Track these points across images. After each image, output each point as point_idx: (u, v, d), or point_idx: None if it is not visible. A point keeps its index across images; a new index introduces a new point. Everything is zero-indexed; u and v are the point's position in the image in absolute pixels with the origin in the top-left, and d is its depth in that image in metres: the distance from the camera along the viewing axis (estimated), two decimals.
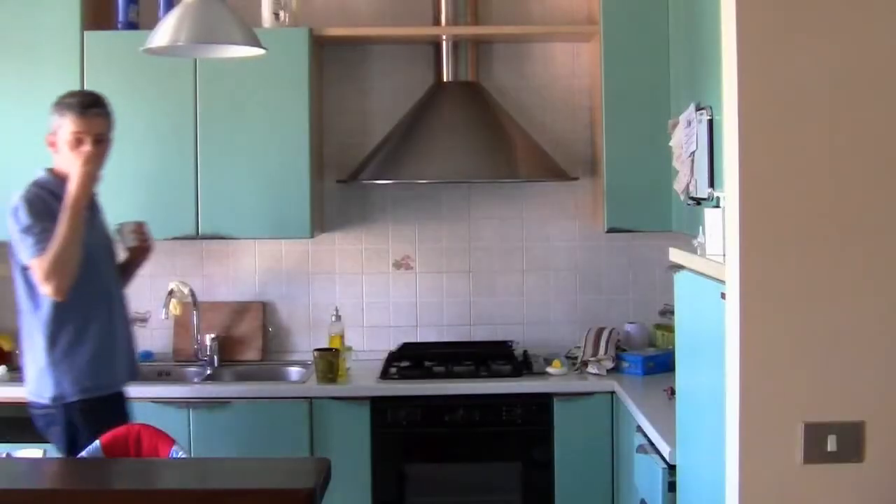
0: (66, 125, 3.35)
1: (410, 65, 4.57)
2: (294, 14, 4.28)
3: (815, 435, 2.04)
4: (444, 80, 4.43)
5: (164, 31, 3.03)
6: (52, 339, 3.35)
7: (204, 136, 4.21)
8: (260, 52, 3.22)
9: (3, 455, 3.13)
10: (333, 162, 4.55)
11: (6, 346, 4.41)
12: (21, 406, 4.05)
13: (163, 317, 4.41)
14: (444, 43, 4.43)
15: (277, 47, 3.81)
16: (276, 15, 4.23)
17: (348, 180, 4.38)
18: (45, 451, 3.39)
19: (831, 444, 2.04)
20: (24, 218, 3.29)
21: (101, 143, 3.40)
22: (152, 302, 4.56)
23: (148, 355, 4.56)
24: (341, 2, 4.57)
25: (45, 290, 3.25)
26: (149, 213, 4.22)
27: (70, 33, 4.18)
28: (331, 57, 4.56)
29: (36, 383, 3.40)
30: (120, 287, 3.61)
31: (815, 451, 2.04)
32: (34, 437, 3.93)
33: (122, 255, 3.68)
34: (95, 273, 3.39)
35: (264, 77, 4.18)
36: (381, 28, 4.46)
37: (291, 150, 4.22)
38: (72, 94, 3.44)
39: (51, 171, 3.46)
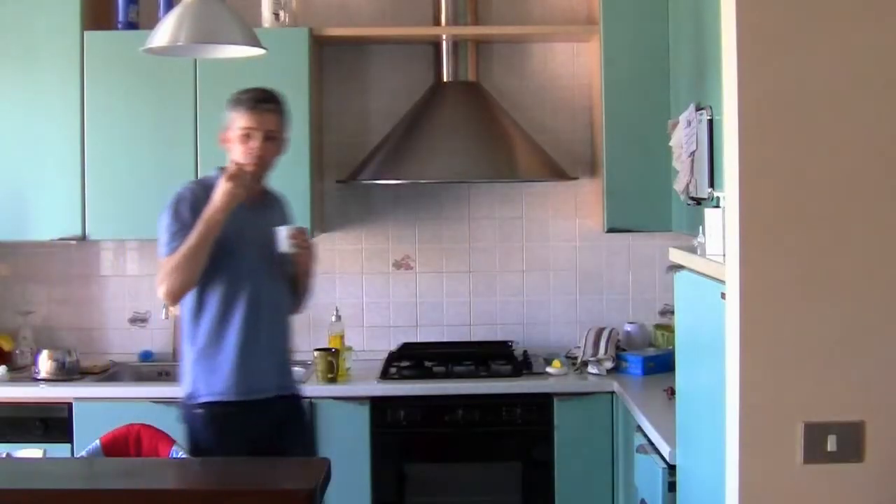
0: (237, 120, 3.27)
1: (410, 65, 4.57)
2: (294, 14, 4.29)
3: (815, 435, 2.04)
4: (444, 80, 4.43)
5: (164, 31, 3.03)
6: (192, 337, 3.29)
7: (204, 136, 4.20)
8: (260, 52, 3.22)
9: (3, 455, 3.12)
10: (333, 162, 4.55)
11: (6, 346, 4.42)
12: (21, 406, 4.07)
13: (163, 317, 4.41)
14: (444, 43, 4.43)
15: (277, 47, 3.81)
16: (276, 15, 4.23)
17: (348, 180, 4.38)
18: (45, 451, 3.39)
19: (831, 444, 2.04)
20: (166, 215, 3.25)
21: (271, 139, 3.31)
22: (152, 302, 4.56)
23: (148, 355, 4.57)
24: (341, 2, 4.57)
25: (158, 291, 3.24)
26: (149, 213, 4.24)
27: (70, 33, 4.18)
28: (331, 57, 4.56)
29: (181, 379, 3.35)
30: (279, 293, 3.40)
31: (815, 451, 2.04)
32: (34, 437, 3.95)
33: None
34: (243, 275, 3.28)
35: (264, 77, 4.13)
36: (381, 28, 4.46)
37: (291, 150, 4.17)
38: (246, 90, 3.32)
39: (222, 169, 3.32)
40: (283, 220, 3.44)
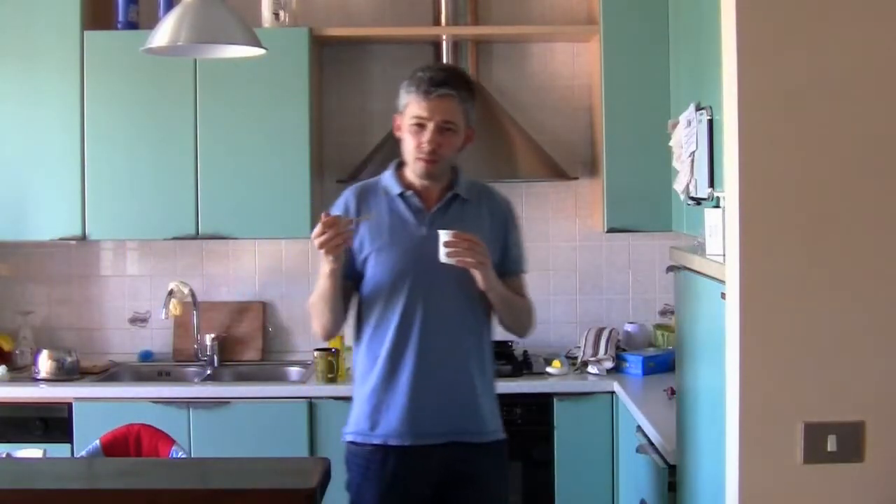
0: (410, 107, 2.75)
1: (410, 65, 4.52)
2: (294, 14, 4.29)
3: (815, 435, 2.03)
4: None
5: (164, 31, 3.02)
6: (353, 365, 2.92)
7: (204, 136, 4.21)
8: (260, 52, 3.22)
9: (3, 455, 3.12)
10: (333, 162, 4.55)
11: (6, 346, 4.42)
12: (21, 406, 4.07)
13: (163, 317, 4.42)
14: (444, 43, 4.43)
15: (277, 47, 3.81)
16: (276, 15, 4.24)
17: (348, 180, 4.38)
18: (45, 451, 3.39)
19: (831, 444, 2.03)
20: None
21: (447, 131, 2.75)
22: (152, 302, 4.57)
23: (148, 355, 4.57)
24: (341, 2, 4.57)
25: None
26: (149, 213, 4.25)
27: (70, 33, 4.19)
28: (331, 57, 4.56)
29: None
30: (457, 316, 2.80)
31: (815, 451, 2.04)
32: (34, 437, 3.95)
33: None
34: (400, 297, 2.76)
35: (264, 77, 4.18)
36: (381, 28, 4.46)
37: (291, 150, 4.22)
38: (425, 68, 2.82)
39: (399, 165, 2.87)
40: (481, 221, 2.85)
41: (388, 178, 2.86)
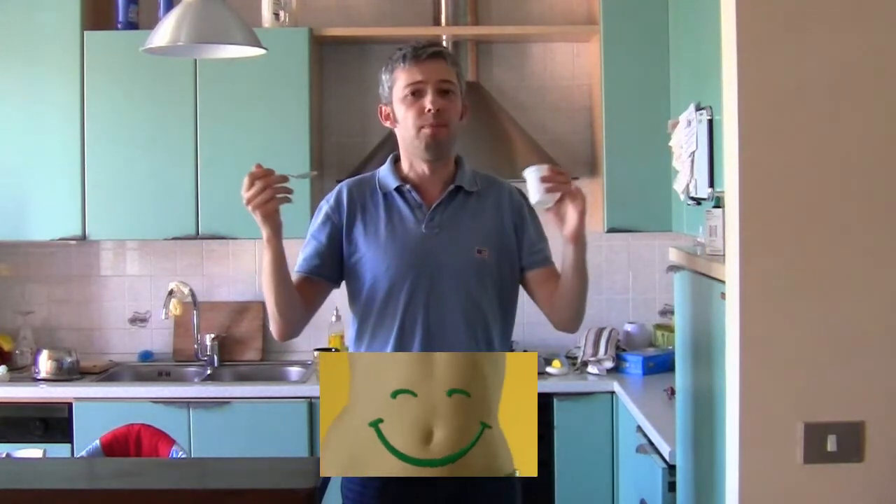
0: (398, 80, 2.54)
1: None
2: (294, 14, 4.29)
3: (815, 435, 2.03)
4: None
5: (164, 31, 3.02)
6: None
7: (204, 136, 4.21)
8: (260, 52, 3.22)
9: (3, 455, 3.12)
10: (333, 162, 4.55)
11: (6, 346, 4.42)
12: (21, 406, 4.07)
13: (163, 317, 4.42)
14: (443, 43, 4.42)
15: (277, 47, 3.81)
16: (276, 15, 4.24)
17: None
18: (45, 451, 3.39)
19: (831, 444, 2.03)
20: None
21: (448, 94, 2.51)
22: (152, 302, 4.57)
23: (148, 355, 4.57)
24: (341, 2, 4.57)
25: None
26: (149, 213, 4.26)
27: (70, 33, 4.19)
28: (331, 57, 4.56)
29: None
30: (466, 328, 2.48)
31: (815, 451, 2.04)
32: (34, 437, 3.95)
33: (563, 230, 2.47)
34: (404, 308, 2.48)
35: (264, 77, 4.18)
36: (381, 28, 4.47)
37: (291, 150, 4.22)
38: (401, 47, 2.61)
39: (396, 160, 2.65)
40: (487, 215, 2.58)
41: (384, 172, 2.61)
